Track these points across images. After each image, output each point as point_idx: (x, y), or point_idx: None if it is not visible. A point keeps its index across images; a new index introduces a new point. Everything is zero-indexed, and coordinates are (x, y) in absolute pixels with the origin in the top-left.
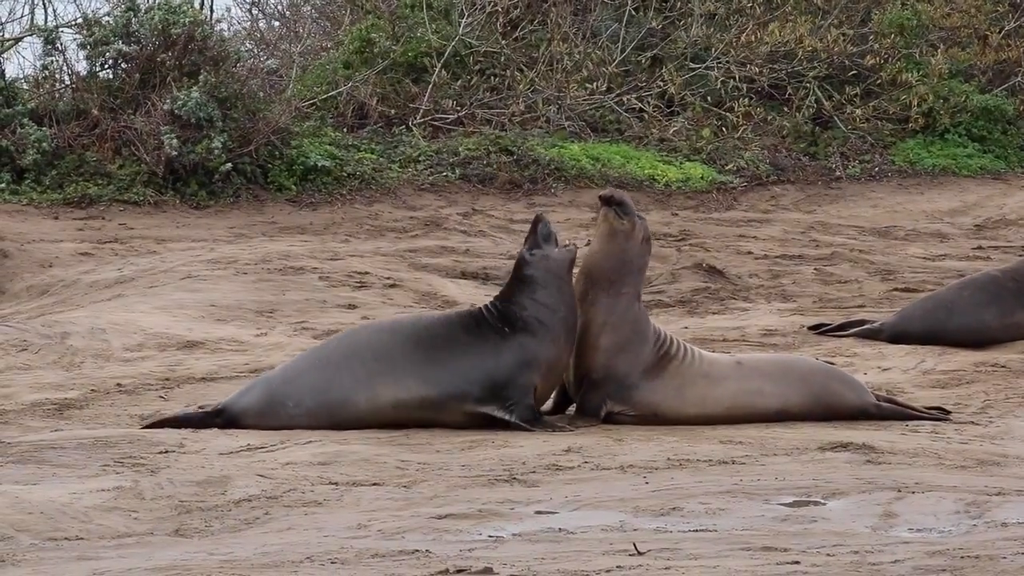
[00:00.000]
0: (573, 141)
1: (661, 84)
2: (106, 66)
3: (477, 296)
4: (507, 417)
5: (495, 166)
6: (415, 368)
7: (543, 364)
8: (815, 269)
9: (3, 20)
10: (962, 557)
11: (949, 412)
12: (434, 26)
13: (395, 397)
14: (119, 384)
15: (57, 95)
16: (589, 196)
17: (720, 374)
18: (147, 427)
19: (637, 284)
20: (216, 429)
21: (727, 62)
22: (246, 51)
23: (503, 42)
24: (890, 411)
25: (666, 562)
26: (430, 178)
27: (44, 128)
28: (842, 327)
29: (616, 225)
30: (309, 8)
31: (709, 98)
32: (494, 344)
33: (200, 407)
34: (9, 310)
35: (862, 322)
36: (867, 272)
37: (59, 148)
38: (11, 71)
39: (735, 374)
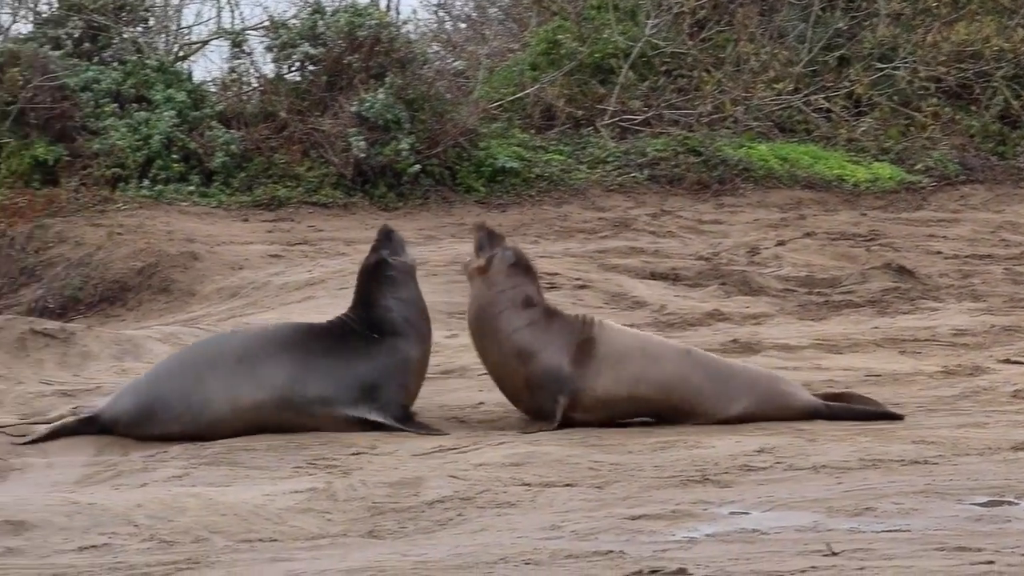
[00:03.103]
0: (761, 141)
1: (848, 84)
2: (293, 68)
3: (666, 297)
4: (380, 419)
5: (683, 167)
6: (279, 371)
7: (415, 363)
8: (1005, 269)
9: (190, 23)
10: None
11: (901, 416)
12: (620, 27)
13: (254, 399)
14: None
15: (245, 98)
16: (778, 196)
17: (657, 354)
18: (28, 443)
19: (514, 298)
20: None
21: (914, 62)
22: (433, 53)
23: (690, 43)
24: (840, 411)
25: (860, 563)
26: (618, 179)
27: (232, 131)
28: None
29: (469, 270)
30: (495, 10)
31: (896, 98)
32: (364, 348)
33: (74, 410)
34: (200, 312)
35: None
36: None
37: (247, 151)
38: (199, 74)
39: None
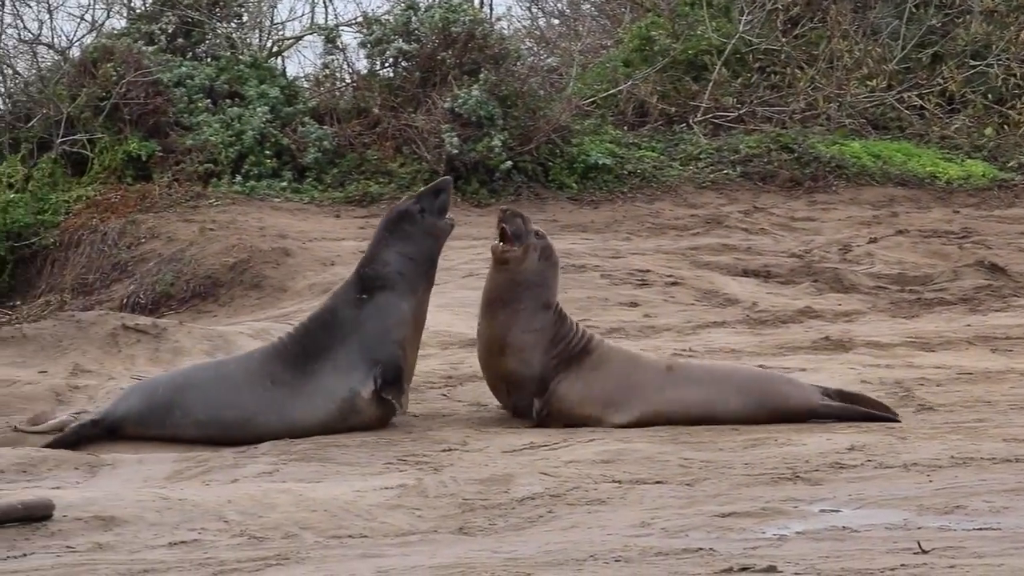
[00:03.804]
0: (854, 138)
1: (942, 81)
2: (386, 64)
3: (758, 294)
4: (380, 387)
5: (776, 164)
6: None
7: (406, 314)
8: None
9: (284, 19)
10: None
11: (898, 419)
12: (714, 24)
13: (310, 422)
14: None
15: (338, 94)
16: (871, 194)
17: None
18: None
19: (538, 297)
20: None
21: (1007, 59)
22: (526, 49)
23: (783, 39)
24: (838, 410)
25: (950, 560)
26: (711, 176)
27: (325, 127)
28: None
29: (500, 256)
30: (589, 6)
31: (989, 95)
32: (354, 319)
33: (75, 415)
34: (291, 308)
35: None
36: None
37: (340, 147)
38: (292, 70)
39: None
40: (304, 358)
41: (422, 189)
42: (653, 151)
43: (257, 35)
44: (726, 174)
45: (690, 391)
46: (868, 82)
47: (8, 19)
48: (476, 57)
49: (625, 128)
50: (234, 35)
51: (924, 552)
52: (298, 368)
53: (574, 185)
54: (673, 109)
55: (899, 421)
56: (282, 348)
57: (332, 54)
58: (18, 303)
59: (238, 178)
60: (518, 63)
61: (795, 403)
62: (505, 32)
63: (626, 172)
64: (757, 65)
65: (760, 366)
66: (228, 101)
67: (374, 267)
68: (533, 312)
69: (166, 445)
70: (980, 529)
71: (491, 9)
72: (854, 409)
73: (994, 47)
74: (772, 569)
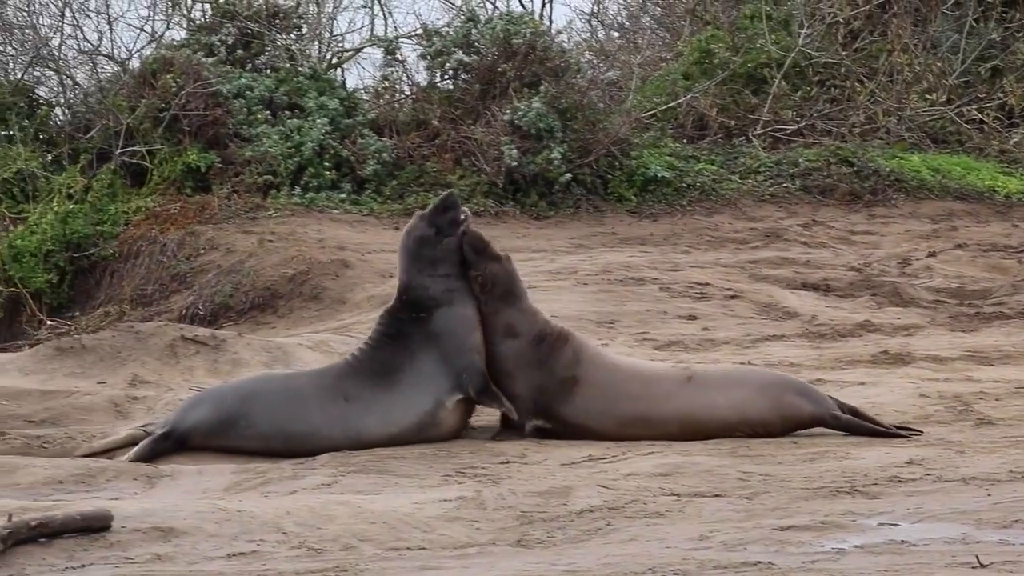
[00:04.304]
0: (913, 152)
1: (1001, 95)
2: (446, 76)
3: (817, 307)
4: (472, 394)
5: (835, 177)
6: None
7: (474, 319)
8: None
9: (343, 31)
10: None
11: (920, 431)
12: (774, 37)
13: (380, 435)
14: None
15: (397, 105)
16: (929, 208)
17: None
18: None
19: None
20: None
21: None
22: (586, 62)
23: (843, 53)
24: (851, 424)
25: (1009, 575)
26: (770, 189)
27: (384, 139)
28: None
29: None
30: (649, 19)
31: None
32: (421, 336)
33: (142, 428)
34: (350, 320)
35: None
36: None
37: (399, 159)
38: (351, 82)
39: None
40: (380, 374)
41: (429, 208)
42: (712, 164)
43: (316, 47)
44: (785, 187)
45: None
46: (928, 96)
47: (68, 30)
48: (536, 70)
49: (684, 141)
50: (293, 47)
51: (983, 566)
52: (375, 383)
53: (633, 198)
54: (732, 122)
55: (902, 436)
56: (356, 364)
57: (392, 66)
58: (77, 314)
59: (297, 190)
60: (578, 76)
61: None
62: (565, 45)
63: (685, 185)
64: (817, 78)
65: (817, 380)
66: (287, 113)
67: (415, 293)
68: (501, 341)
69: (226, 457)
70: None
71: (551, 22)
72: (867, 426)
73: None
74: None
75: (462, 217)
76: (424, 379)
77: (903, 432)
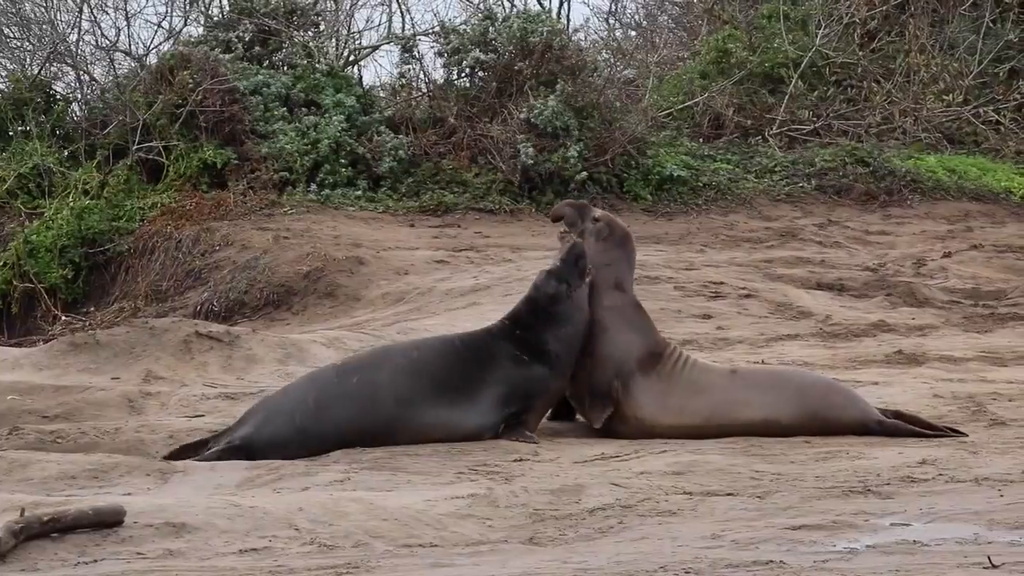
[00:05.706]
0: (929, 153)
1: (1018, 96)
2: (463, 74)
3: (832, 307)
4: (508, 436)
5: (851, 177)
6: (443, 410)
7: (554, 394)
8: None
9: (361, 28)
10: None
11: (965, 433)
12: (791, 37)
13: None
14: None
15: (414, 103)
16: (945, 208)
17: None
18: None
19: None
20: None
21: None
22: (603, 61)
23: (860, 53)
24: (895, 427)
25: (1021, 575)
26: (786, 188)
27: (400, 136)
28: None
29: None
30: (666, 18)
31: None
32: (510, 369)
33: (213, 433)
34: (364, 317)
35: None
36: None
37: (415, 156)
38: (368, 79)
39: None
40: (456, 386)
41: (560, 261)
42: (728, 163)
43: (334, 44)
44: (801, 187)
45: None
46: (944, 96)
47: (86, 26)
48: (553, 68)
49: (700, 140)
50: (311, 44)
51: (994, 567)
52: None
53: (649, 197)
54: (749, 122)
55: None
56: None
57: (408, 63)
58: (92, 309)
59: (313, 187)
60: (594, 74)
61: (851, 416)
62: (582, 44)
63: (701, 184)
64: (833, 78)
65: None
66: (304, 110)
67: (532, 337)
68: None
69: None
70: None
71: (568, 20)
72: (911, 429)
73: None
74: None
75: (589, 267)
76: (484, 405)
77: (951, 432)
